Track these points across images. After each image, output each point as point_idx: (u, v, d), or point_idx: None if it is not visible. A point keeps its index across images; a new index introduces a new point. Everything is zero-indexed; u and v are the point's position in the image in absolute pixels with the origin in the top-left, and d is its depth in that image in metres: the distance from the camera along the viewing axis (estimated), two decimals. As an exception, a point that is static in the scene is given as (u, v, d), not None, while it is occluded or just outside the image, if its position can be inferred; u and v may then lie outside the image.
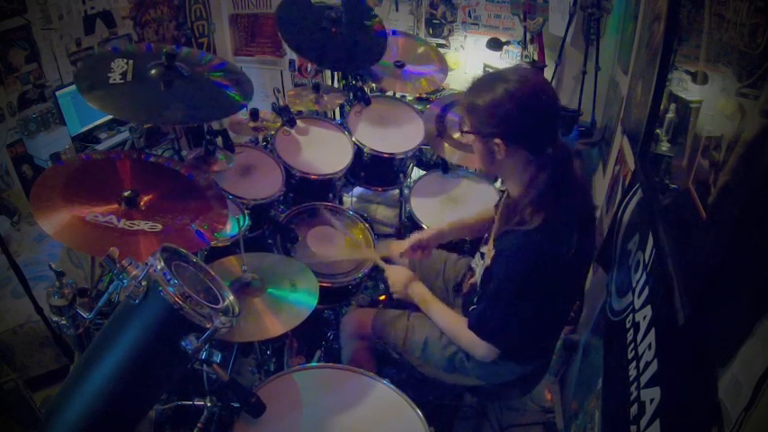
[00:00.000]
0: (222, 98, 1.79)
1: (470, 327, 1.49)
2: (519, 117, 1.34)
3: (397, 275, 1.75)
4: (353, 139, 2.54)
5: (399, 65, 2.89)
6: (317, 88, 2.72)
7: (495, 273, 1.44)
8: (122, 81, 1.66)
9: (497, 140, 1.36)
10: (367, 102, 2.66)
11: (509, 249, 1.39)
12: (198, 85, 1.79)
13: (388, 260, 1.94)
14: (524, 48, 3.73)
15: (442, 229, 1.88)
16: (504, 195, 1.60)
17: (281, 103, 2.47)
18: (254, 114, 2.45)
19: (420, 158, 2.80)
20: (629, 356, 1.37)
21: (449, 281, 1.93)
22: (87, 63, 1.94)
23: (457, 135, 1.53)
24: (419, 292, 1.69)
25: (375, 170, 2.60)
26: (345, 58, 2.59)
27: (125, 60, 1.73)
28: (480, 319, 1.48)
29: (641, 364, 1.28)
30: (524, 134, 1.36)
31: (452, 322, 1.60)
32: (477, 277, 1.61)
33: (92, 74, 1.67)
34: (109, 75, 1.66)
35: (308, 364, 1.62)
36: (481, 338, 1.47)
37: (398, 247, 1.87)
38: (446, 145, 2.48)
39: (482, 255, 1.64)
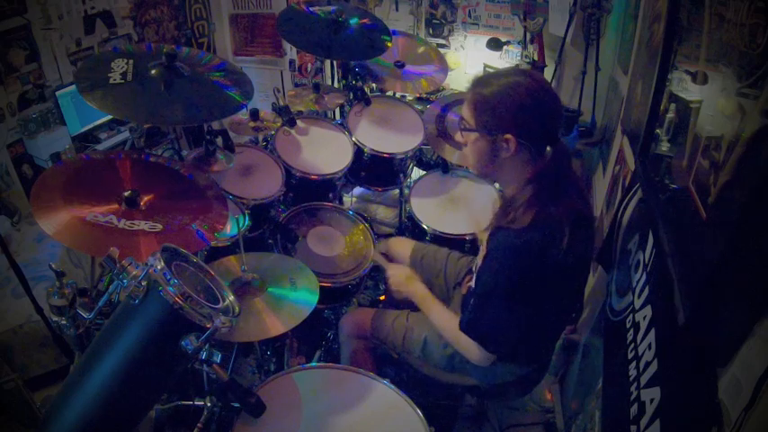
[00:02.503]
0: (222, 98, 1.80)
1: (462, 329, 1.47)
2: (533, 112, 1.33)
3: (397, 273, 1.75)
4: (353, 139, 2.54)
5: (399, 65, 2.90)
6: (317, 88, 2.72)
7: (485, 272, 1.42)
8: (122, 81, 1.66)
9: (508, 136, 1.34)
10: (367, 102, 2.67)
11: (499, 248, 1.37)
12: (198, 85, 1.79)
13: (389, 258, 1.93)
14: (524, 48, 3.74)
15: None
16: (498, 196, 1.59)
17: (281, 103, 2.47)
18: (254, 114, 2.46)
19: (420, 158, 2.81)
20: (630, 356, 1.37)
21: (450, 279, 1.93)
22: (87, 63, 1.94)
23: (456, 136, 1.50)
24: (419, 291, 1.68)
25: (375, 170, 2.61)
26: (351, 49, 2.61)
27: (125, 60, 1.73)
28: (471, 321, 1.46)
29: (641, 364, 1.28)
30: (535, 131, 1.35)
31: (450, 324, 1.58)
32: (474, 280, 1.60)
33: (92, 74, 1.67)
34: (109, 75, 1.66)
35: (308, 364, 1.62)
36: (473, 340, 1.46)
37: (399, 243, 1.87)
38: (446, 145, 2.48)
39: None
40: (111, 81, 1.65)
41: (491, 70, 3.09)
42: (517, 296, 1.37)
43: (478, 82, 1.40)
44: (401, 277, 1.73)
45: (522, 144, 1.35)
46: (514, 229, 1.33)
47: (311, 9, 2.65)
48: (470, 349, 1.51)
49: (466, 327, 1.47)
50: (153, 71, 1.72)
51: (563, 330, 2.06)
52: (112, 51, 1.88)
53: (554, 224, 1.32)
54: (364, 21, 2.69)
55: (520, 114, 1.33)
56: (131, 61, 1.73)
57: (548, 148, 1.37)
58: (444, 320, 1.60)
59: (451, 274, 1.93)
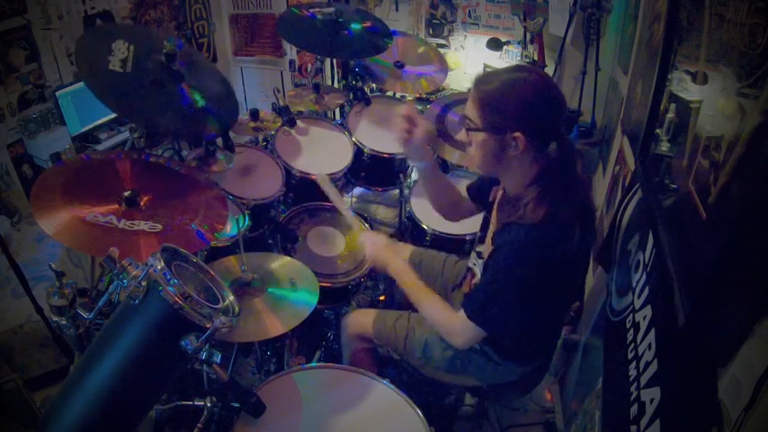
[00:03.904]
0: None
1: (468, 316, 1.44)
2: (540, 109, 1.32)
3: (374, 240, 1.72)
4: (353, 139, 2.54)
5: (399, 65, 2.90)
6: (317, 88, 2.72)
7: (495, 266, 1.40)
8: (121, 70, 1.62)
9: (517, 134, 1.32)
10: (367, 102, 2.67)
11: (511, 243, 1.36)
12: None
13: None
14: (524, 48, 3.74)
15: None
16: (501, 192, 1.58)
17: (281, 103, 2.47)
18: (254, 114, 2.46)
19: (420, 158, 2.80)
20: (629, 356, 1.37)
21: (447, 282, 1.92)
22: (90, 36, 1.89)
23: (459, 135, 1.48)
24: (396, 264, 1.65)
25: (375, 170, 2.60)
26: (353, 48, 2.61)
27: (126, 45, 1.68)
28: (480, 309, 1.43)
29: (641, 364, 1.28)
30: (543, 127, 1.34)
31: (429, 300, 1.56)
32: (478, 277, 1.59)
33: (92, 53, 1.63)
34: (109, 58, 1.62)
35: (308, 365, 1.62)
36: (478, 326, 1.43)
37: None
38: (446, 145, 2.48)
39: (478, 254, 1.63)
40: (111, 66, 1.60)
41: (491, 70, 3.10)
42: (530, 290, 1.36)
43: (482, 80, 1.38)
44: (376, 246, 1.69)
45: (529, 142, 1.34)
46: (527, 225, 1.33)
47: (312, 12, 2.65)
48: (452, 334, 1.50)
49: (473, 314, 1.44)
50: (151, 68, 1.69)
51: (563, 325, 2.05)
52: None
53: (565, 220, 1.32)
54: (366, 24, 2.69)
55: (527, 111, 1.32)
56: (132, 47, 1.68)
57: (553, 144, 1.36)
58: (425, 298, 1.57)
59: (449, 278, 1.92)
